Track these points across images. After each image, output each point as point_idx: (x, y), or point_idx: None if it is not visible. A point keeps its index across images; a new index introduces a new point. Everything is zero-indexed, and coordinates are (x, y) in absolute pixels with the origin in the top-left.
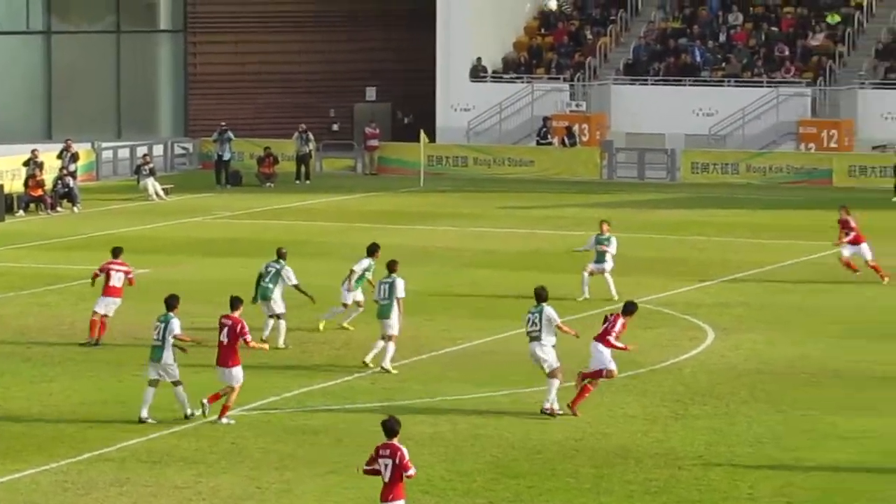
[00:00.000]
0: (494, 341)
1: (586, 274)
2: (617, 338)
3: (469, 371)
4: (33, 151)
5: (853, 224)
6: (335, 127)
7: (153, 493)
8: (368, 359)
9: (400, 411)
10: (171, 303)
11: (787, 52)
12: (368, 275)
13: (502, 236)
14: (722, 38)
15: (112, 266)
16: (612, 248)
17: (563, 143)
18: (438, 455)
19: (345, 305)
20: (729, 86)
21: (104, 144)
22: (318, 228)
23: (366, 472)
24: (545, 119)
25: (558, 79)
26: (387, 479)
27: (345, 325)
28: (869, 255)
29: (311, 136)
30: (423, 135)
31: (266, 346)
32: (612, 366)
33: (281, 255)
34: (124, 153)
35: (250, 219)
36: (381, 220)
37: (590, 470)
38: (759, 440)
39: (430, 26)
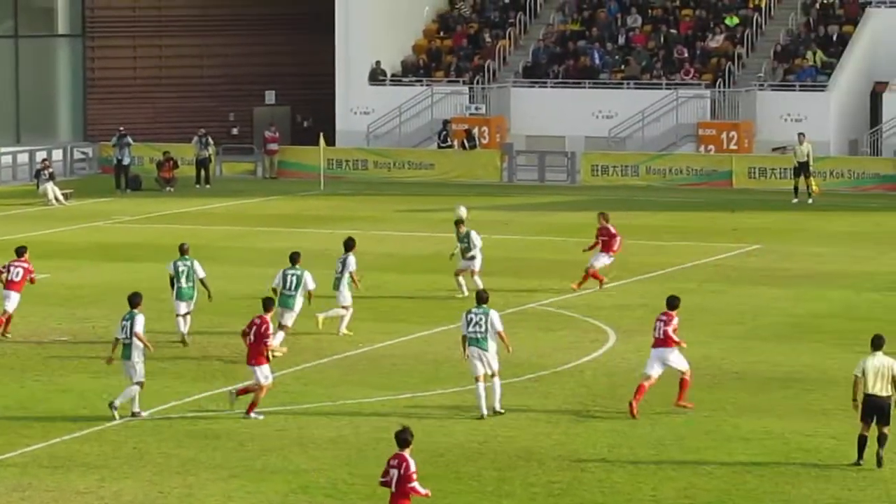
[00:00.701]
0: (396, 345)
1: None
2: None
3: (371, 374)
4: None
5: (614, 231)
6: (235, 131)
7: (55, 499)
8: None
9: (302, 415)
10: (135, 300)
11: (686, 55)
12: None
13: (402, 239)
14: (621, 40)
15: (13, 263)
16: (473, 247)
17: (462, 146)
18: (341, 458)
19: (344, 307)
20: (628, 88)
21: (3, 149)
22: (218, 232)
23: (381, 483)
24: (445, 122)
25: (458, 82)
26: (393, 489)
27: (343, 329)
28: (601, 263)
29: (210, 140)
30: (322, 138)
31: (282, 351)
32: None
33: (183, 251)
34: (23, 158)
35: (150, 223)
36: (281, 224)
37: (492, 472)
38: (662, 442)
39: (329, 30)
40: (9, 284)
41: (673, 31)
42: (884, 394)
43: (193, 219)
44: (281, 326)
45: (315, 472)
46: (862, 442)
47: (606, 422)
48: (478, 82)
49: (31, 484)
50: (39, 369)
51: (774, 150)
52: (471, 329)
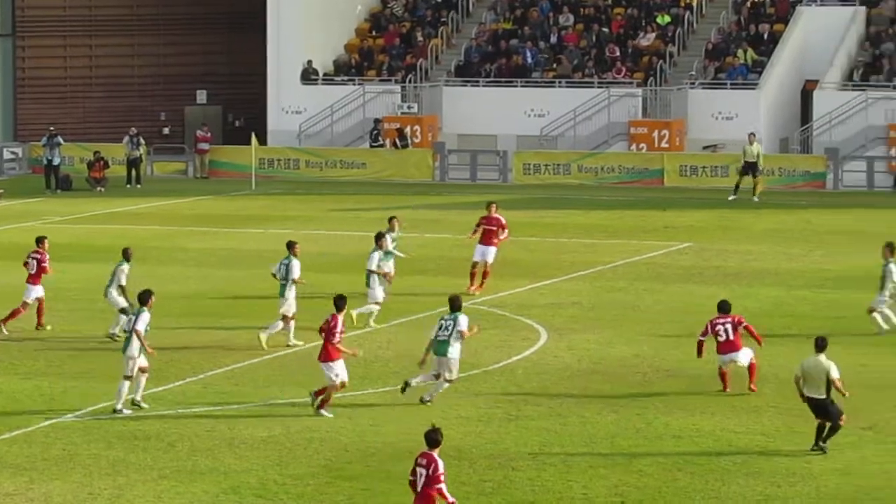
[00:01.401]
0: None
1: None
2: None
3: (302, 374)
4: None
5: (504, 222)
6: (166, 130)
7: None
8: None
9: (233, 415)
10: (144, 297)
11: (617, 53)
12: (389, 257)
13: (335, 239)
14: (553, 39)
15: (31, 255)
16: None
17: (394, 145)
18: (272, 458)
19: (377, 303)
20: (560, 87)
21: None
22: (150, 232)
23: (410, 483)
24: (376, 121)
25: (390, 81)
26: (419, 488)
27: (371, 323)
28: (493, 257)
29: (141, 139)
30: (254, 138)
31: (354, 352)
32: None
33: (126, 255)
34: None
35: (81, 223)
36: (212, 224)
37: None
38: (593, 440)
39: (261, 29)
40: (28, 277)
41: (605, 29)
42: (820, 396)
43: (124, 219)
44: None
45: (245, 472)
46: (819, 429)
47: (537, 420)
48: (410, 81)
49: None
50: None
51: (705, 148)
52: (438, 333)
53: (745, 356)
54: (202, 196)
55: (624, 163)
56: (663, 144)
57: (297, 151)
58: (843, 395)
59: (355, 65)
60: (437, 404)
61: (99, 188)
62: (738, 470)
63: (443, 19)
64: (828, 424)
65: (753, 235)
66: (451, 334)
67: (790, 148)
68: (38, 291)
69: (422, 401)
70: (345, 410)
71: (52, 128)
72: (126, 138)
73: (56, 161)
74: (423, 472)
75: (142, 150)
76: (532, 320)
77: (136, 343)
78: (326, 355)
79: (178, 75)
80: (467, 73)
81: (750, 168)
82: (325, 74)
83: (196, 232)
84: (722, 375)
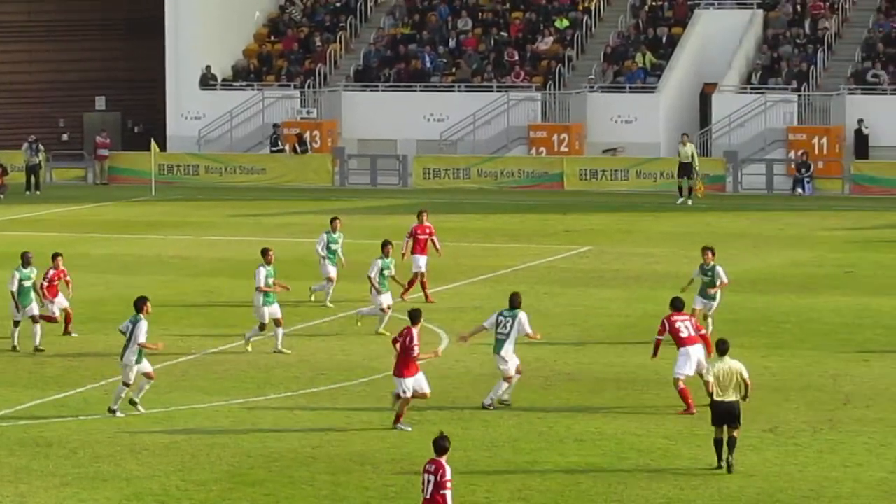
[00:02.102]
0: (229, 350)
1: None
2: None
3: (203, 380)
4: None
5: (433, 230)
6: (65, 137)
7: None
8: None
9: (134, 422)
10: (139, 305)
11: (516, 57)
12: (387, 272)
13: (235, 244)
14: (452, 43)
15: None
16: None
17: (294, 150)
18: (174, 465)
19: (382, 310)
20: (459, 91)
21: None
22: (50, 239)
23: (423, 491)
24: (275, 126)
25: (289, 86)
26: (427, 496)
27: (381, 330)
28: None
29: (40, 146)
30: (153, 144)
31: (428, 356)
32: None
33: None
34: None
35: None
36: (112, 230)
37: (327, 477)
38: (495, 444)
39: (160, 35)
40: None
41: (503, 34)
42: (732, 398)
43: (24, 226)
44: (276, 322)
45: (148, 478)
46: (718, 445)
47: (440, 425)
48: (309, 86)
49: None
50: None
51: (605, 151)
52: (498, 331)
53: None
54: (102, 202)
55: (524, 167)
56: (563, 148)
57: (196, 157)
58: (746, 399)
59: (254, 70)
60: (340, 409)
61: None
62: (640, 473)
63: (341, 24)
64: (727, 437)
65: (653, 238)
66: (509, 332)
67: None
68: (61, 303)
69: (484, 406)
70: (247, 416)
71: None
72: (25, 145)
73: None
74: (431, 478)
75: (41, 156)
76: (433, 325)
77: (133, 351)
78: (399, 370)
79: (77, 81)
80: (366, 77)
81: (685, 170)
82: (223, 80)
83: (97, 238)
84: (683, 393)
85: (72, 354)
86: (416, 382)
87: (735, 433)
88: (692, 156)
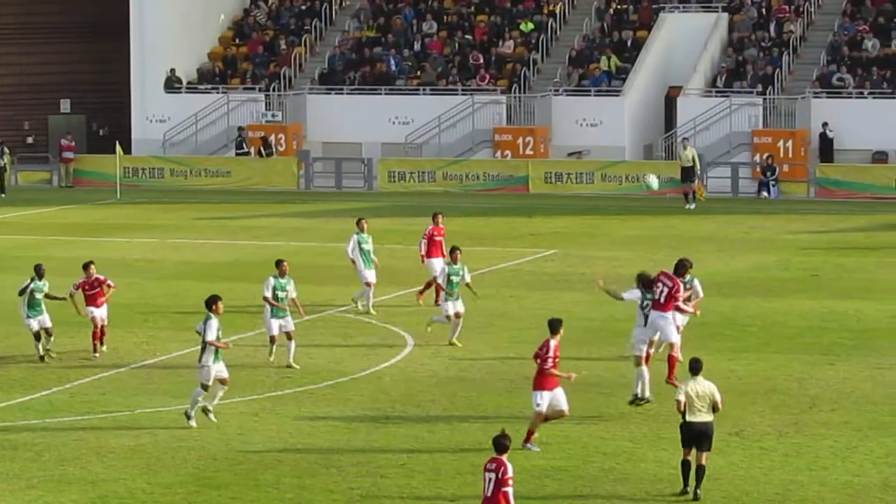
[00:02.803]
0: (194, 353)
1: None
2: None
3: (168, 383)
4: None
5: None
6: (30, 139)
7: None
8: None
9: (100, 424)
10: (210, 303)
11: (481, 60)
12: (456, 278)
13: (200, 247)
14: (417, 46)
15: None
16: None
17: (259, 153)
18: (140, 467)
19: (448, 317)
20: (424, 94)
21: None
22: (14, 242)
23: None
24: (240, 129)
25: (254, 89)
26: (488, 494)
27: (453, 340)
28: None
29: (5, 149)
30: (118, 147)
31: (570, 375)
32: (676, 338)
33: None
34: None
35: None
36: (78, 233)
37: (292, 480)
38: (461, 447)
39: (124, 38)
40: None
41: (468, 37)
42: (706, 419)
43: None
44: (288, 336)
45: (113, 481)
46: (685, 468)
47: (405, 427)
48: (274, 89)
49: None
50: None
51: (570, 154)
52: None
53: (674, 334)
54: (67, 205)
55: (489, 170)
56: (528, 151)
57: (161, 160)
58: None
59: (219, 73)
60: (304, 412)
61: None
62: (605, 476)
63: (306, 27)
64: (695, 463)
65: (619, 241)
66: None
67: (654, 154)
68: (102, 316)
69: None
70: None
71: None
72: None
73: None
74: (493, 476)
75: (6, 159)
76: (398, 328)
77: (210, 351)
78: (538, 382)
79: (42, 84)
80: (331, 80)
81: (687, 174)
82: (188, 83)
83: (62, 241)
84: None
85: (37, 357)
86: (554, 398)
87: (704, 460)
88: (693, 159)
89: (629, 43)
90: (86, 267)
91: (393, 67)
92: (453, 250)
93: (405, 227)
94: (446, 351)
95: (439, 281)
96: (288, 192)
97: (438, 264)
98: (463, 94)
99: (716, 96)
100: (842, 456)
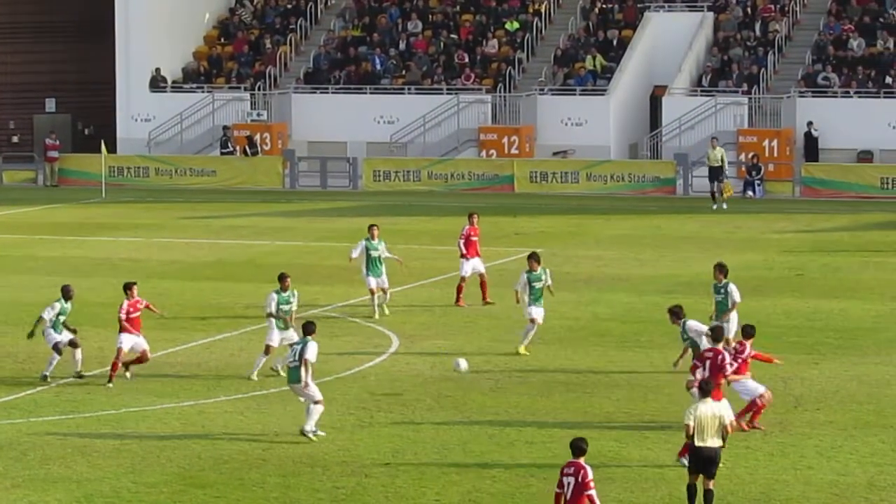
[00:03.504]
0: (179, 352)
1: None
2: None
3: (153, 382)
4: None
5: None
6: (15, 139)
7: None
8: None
9: (85, 424)
10: (309, 328)
11: (466, 60)
12: (538, 284)
13: (185, 246)
14: (402, 45)
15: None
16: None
17: (244, 152)
18: (125, 467)
19: (532, 321)
20: (409, 93)
21: None
22: (0, 241)
23: (556, 494)
24: (225, 129)
25: (239, 88)
26: (568, 497)
27: (521, 349)
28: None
29: None
30: (103, 146)
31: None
32: (760, 390)
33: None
34: None
35: None
36: (63, 232)
37: (277, 479)
38: (446, 446)
39: (109, 37)
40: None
41: (453, 36)
42: (715, 444)
43: None
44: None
45: (98, 480)
46: (691, 492)
47: (390, 427)
48: (259, 89)
49: None
50: None
51: (555, 154)
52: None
53: (756, 388)
54: (52, 204)
55: (474, 169)
56: (513, 151)
57: (146, 159)
58: (723, 446)
59: (204, 72)
60: (290, 412)
61: None
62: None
63: (291, 26)
64: (702, 489)
65: (604, 241)
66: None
67: (640, 154)
68: (141, 344)
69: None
70: (197, 418)
71: None
72: None
73: None
74: (572, 480)
75: None
76: (383, 327)
77: (304, 372)
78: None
79: (27, 83)
80: (316, 80)
81: (715, 173)
82: (173, 82)
83: (47, 240)
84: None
85: (23, 357)
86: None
87: (711, 484)
88: (722, 159)
89: (614, 42)
90: (128, 288)
91: (378, 67)
92: (531, 256)
93: (390, 226)
94: (432, 350)
95: (517, 288)
96: (273, 191)
97: (470, 265)
98: (448, 94)
99: (701, 96)
100: (826, 455)
